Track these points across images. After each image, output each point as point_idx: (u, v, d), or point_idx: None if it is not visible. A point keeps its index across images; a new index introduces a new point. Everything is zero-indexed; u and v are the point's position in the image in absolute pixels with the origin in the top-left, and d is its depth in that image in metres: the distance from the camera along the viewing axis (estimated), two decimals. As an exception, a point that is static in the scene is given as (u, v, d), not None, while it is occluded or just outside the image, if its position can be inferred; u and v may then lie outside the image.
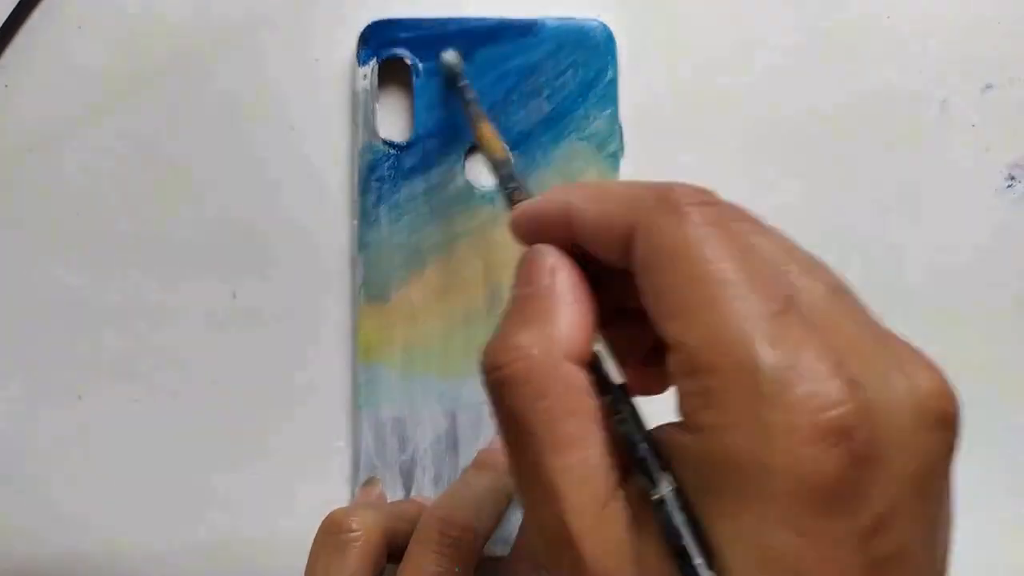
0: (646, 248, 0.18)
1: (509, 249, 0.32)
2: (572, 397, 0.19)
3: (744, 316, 0.17)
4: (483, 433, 0.32)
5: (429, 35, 0.32)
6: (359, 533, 0.27)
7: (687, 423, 0.17)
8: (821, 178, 0.33)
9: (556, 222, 0.21)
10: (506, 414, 0.19)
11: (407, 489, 0.32)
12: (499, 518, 0.29)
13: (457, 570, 0.26)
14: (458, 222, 0.32)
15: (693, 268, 0.17)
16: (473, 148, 0.32)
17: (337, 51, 0.33)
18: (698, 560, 0.16)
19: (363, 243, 0.32)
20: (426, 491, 0.32)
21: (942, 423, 0.17)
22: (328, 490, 0.33)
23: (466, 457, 0.32)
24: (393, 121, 0.33)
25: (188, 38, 0.33)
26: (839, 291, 0.18)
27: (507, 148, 0.28)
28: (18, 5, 0.33)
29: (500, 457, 0.31)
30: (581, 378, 0.19)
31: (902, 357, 0.18)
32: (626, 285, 0.19)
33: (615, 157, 0.32)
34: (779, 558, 0.16)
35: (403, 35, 0.32)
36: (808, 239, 0.33)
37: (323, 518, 0.28)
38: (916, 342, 0.18)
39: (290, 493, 0.33)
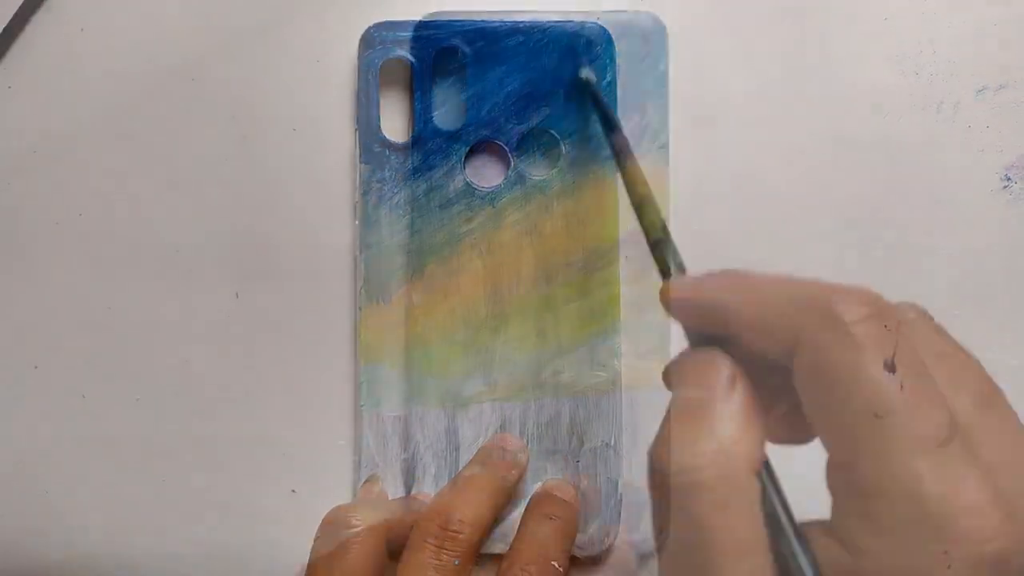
0: (810, 367, 0.19)
1: (509, 249, 0.33)
2: (752, 508, 0.19)
3: (910, 448, 0.18)
4: (483, 431, 0.32)
5: (430, 36, 0.32)
6: (360, 530, 0.27)
7: (846, 542, 0.18)
8: (818, 178, 0.33)
9: (713, 314, 0.21)
10: (687, 518, 0.19)
11: (408, 487, 0.32)
12: (498, 514, 0.30)
13: (456, 564, 0.27)
14: (458, 222, 0.32)
15: (859, 394, 0.18)
16: (473, 148, 0.33)
17: (338, 52, 0.33)
18: None
19: (364, 244, 0.32)
20: (427, 489, 0.32)
21: None
22: (329, 488, 0.33)
23: (466, 455, 0.32)
24: (394, 122, 0.33)
25: (190, 40, 0.34)
26: (991, 399, 0.19)
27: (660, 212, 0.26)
28: (21, 7, 0.33)
29: (499, 453, 0.31)
30: (756, 490, 0.20)
31: None
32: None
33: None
34: None
35: (404, 36, 0.32)
36: (805, 239, 0.33)
37: (324, 516, 0.28)
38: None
39: (292, 492, 0.33)
